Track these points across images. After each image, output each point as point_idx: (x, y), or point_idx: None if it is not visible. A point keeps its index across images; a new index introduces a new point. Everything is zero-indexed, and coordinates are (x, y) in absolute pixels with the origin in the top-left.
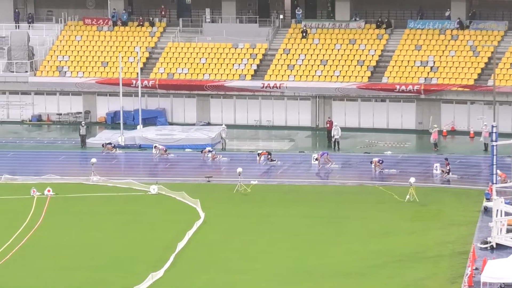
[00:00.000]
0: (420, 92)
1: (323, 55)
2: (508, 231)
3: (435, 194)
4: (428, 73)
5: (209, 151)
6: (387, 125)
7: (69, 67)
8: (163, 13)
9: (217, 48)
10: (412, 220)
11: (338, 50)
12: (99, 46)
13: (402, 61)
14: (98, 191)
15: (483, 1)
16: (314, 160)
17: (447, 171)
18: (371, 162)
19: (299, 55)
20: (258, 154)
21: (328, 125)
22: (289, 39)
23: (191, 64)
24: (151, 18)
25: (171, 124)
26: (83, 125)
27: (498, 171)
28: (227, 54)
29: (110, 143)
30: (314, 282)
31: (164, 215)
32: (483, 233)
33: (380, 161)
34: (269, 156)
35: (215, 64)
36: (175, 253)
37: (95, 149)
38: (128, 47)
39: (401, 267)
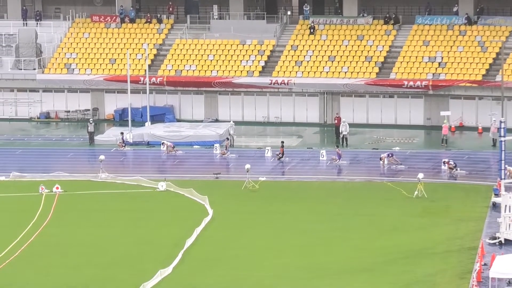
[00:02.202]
0: (428, 88)
1: (331, 51)
2: None
3: (444, 190)
4: (436, 68)
5: (226, 149)
6: (395, 121)
7: (77, 64)
8: (170, 9)
9: (225, 45)
10: (420, 216)
11: (346, 46)
12: (106, 43)
13: (410, 57)
14: (107, 188)
15: None
16: (330, 160)
17: (454, 166)
18: (380, 159)
19: (307, 51)
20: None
21: (336, 121)
22: (296, 35)
23: (199, 60)
24: (158, 15)
25: (179, 121)
26: (91, 122)
27: (508, 167)
28: (234, 50)
29: (122, 141)
30: (323, 278)
31: (172, 212)
32: (491, 228)
33: (390, 155)
34: (282, 154)
35: (223, 60)
36: (183, 250)
37: (103, 146)
38: (136, 44)
39: (409, 263)
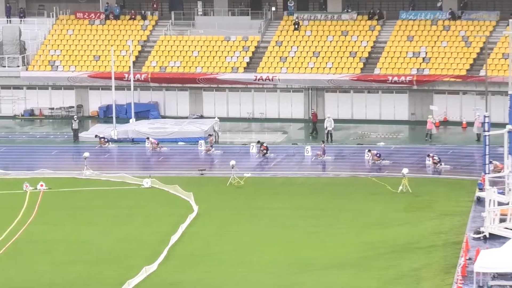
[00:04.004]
0: (413, 83)
1: (316, 47)
2: (501, 221)
3: (428, 185)
4: (420, 64)
5: (211, 145)
6: (379, 116)
7: (61, 61)
8: (155, 6)
9: (209, 41)
10: (405, 211)
11: (331, 41)
12: (91, 40)
13: (394, 52)
14: (91, 185)
15: None
16: (315, 155)
17: (438, 161)
18: (368, 150)
19: (292, 47)
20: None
21: (312, 117)
22: (281, 31)
23: (184, 57)
24: (143, 12)
25: (163, 117)
26: (75, 119)
27: (497, 162)
28: (219, 46)
29: (103, 137)
30: (308, 274)
31: (157, 208)
32: (476, 223)
33: (378, 155)
34: (266, 150)
35: (208, 57)
36: (168, 246)
37: (88, 143)
38: (120, 40)
39: (394, 257)
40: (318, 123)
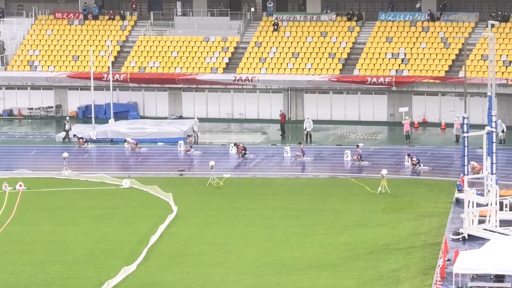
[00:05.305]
0: (392, 84)
1: (295, 47)
2: (480, 222)
3: (407, 186)
4: (399, 65)
5: (190, 146)
6: (358, 117)
7: (40, 61)
8: (134, 6)
9: (189, 42)
10: (384, 212)
11: (310, 42)
12: (70, 40)
13: (373, 53)
14: (70, 185)
15: None
16: (294, 156)
17: (417, 162)
18: (357, 146)
19: (271, 48)
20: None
21: (280, 118)
22: (260, 32)
23: (163, 57)
24: (122, 12)
25: (143, 117)
26: (67, 120)
27: (475, 163)
28: (198, 47)
29: (82, 138)
30: (287, 274)
31: (136, 209)
32: (455, 224)
33: (360, 156)
34: (243, 150)
35: (187, 57)
36: (147, 247)
37: (67, 144)
38: (99, 41)
39: (373, 258)
40: (298, 124)
